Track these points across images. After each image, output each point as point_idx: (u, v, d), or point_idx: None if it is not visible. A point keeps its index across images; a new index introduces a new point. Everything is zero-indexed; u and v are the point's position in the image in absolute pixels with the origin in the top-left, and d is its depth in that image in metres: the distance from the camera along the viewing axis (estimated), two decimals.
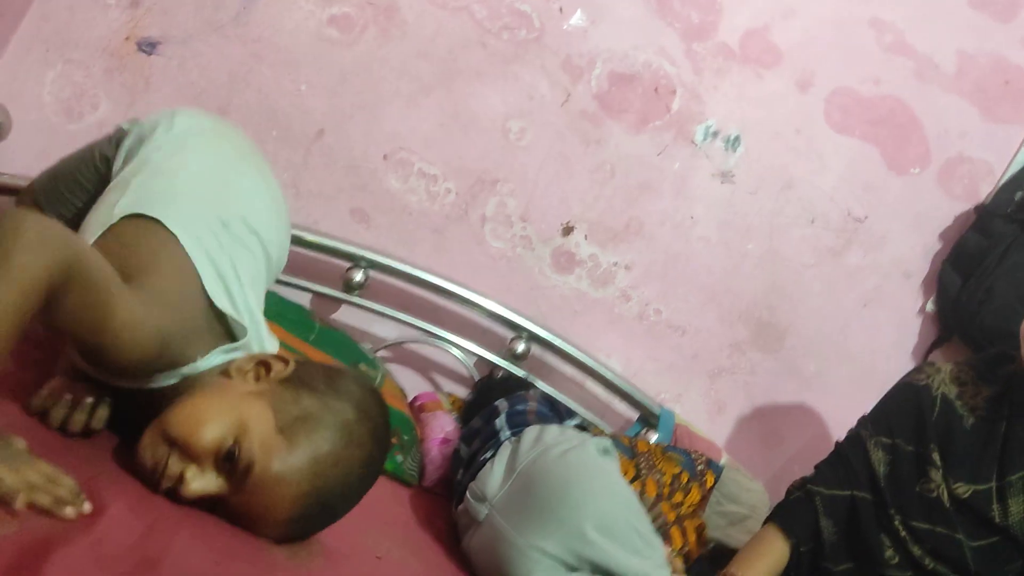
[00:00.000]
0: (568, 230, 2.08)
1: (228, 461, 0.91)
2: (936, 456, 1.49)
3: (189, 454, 0.92)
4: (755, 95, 2.09)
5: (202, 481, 0.91)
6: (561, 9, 2.03)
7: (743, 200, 2.11)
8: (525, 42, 2.04)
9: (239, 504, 0.93)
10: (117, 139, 1.31)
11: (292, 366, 1.01)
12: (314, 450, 0.93)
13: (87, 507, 0.79)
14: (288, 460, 0.92)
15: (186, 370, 0.99)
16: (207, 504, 0.93)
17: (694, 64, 2.07)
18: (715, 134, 2.09)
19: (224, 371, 1.00)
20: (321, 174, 2.00)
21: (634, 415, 2.05)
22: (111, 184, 1.22)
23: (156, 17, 1.95)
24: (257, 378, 1.00)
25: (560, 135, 2.06)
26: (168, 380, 0.99)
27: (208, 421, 0.92)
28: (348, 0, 1.98)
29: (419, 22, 2.01)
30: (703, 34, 2.07)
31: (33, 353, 1.11)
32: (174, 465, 0.92)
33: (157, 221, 1.07)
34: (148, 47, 1.95)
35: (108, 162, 1.29)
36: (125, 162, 1.25)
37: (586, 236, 2.08)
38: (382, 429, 1.02)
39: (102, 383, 1.00)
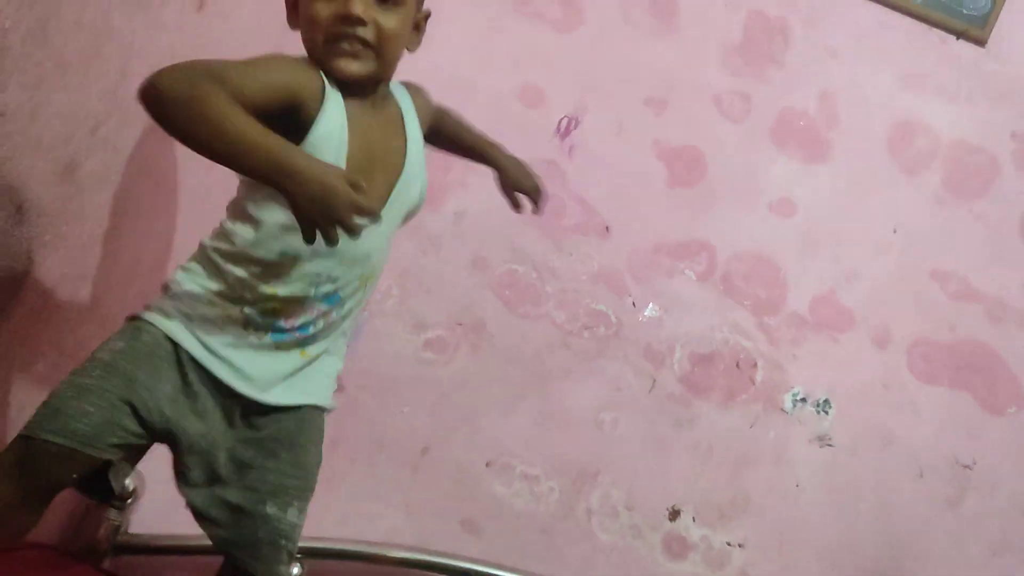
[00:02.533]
0: (675, 514, 2.09)
1: None
2: None
3: None
4: (836, 358, 2.15)
5: None
6: (634, 303, 2.17)
7: (846, 461, 2.11)
8: (605, 337, 2.16)
9: None
10: None
11: None
12: None
13: None
14: None
15: None
16: None
17: (769, 336, 2.16)
18: (803, 400, 2.14)
19: None
20: (429, 490, 2.08)
21: None
22: None
23: None
24: None
25: (652, 420, 2.12)
26: None
27: None
28: (440, 324, 2.14)
29: (505, 333, 2.15)
30: (773, 307, 2.17)
31: None
32: None
33: None
34: None
35: None
36: None
37: (694, 518, 2.09)
38: None
39: None
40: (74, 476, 1.12)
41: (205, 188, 1.78)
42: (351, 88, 1.16)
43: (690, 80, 2.23)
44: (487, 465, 2.10)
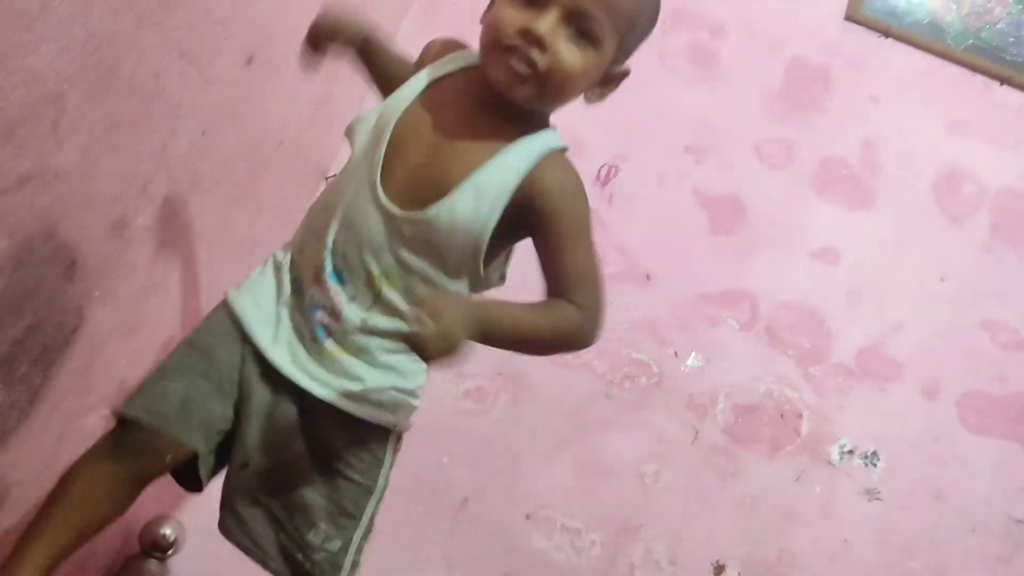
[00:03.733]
0: (720, 569, 2.05)
1: None
2: None
3: None
4: (883, 409, 2.10)
5: None
6: (676, 353, 2.14)
7: (895, 517, 2.06)
8: (647, 388, 2.13)
9: None
10: None
11: None
12: None
13: None
14: None
15: None
16: None
17: (815, 387, 2.12)
18: (851, 452, 2.09)
19: None
20: (469, 542, 2.05)
21: None
22: None
23: None
24: None
25: (695, 473, 2.09)
26: None
27: None
28: (480, 373, 2.13)
29: (546, 383, 2.13)
30: (818, 357, 2.13)
31: None
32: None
33: None
34: None
35: None
36: None
37: (739, 573, 2.04)
38: None
39: None
40: (167, 460, 1.07)
41: (250, 241, 1.80)
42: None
43: (730, 127, 2.22)
44: (527, 517, 2.07)
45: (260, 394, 1.12)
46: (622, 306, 2.15)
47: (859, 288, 2.15)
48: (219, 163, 1.51)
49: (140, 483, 1.09)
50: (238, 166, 1.61)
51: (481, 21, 1.07)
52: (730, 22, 2.27)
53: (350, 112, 2.13)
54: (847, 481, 2.08)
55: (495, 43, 1.01)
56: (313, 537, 1.14)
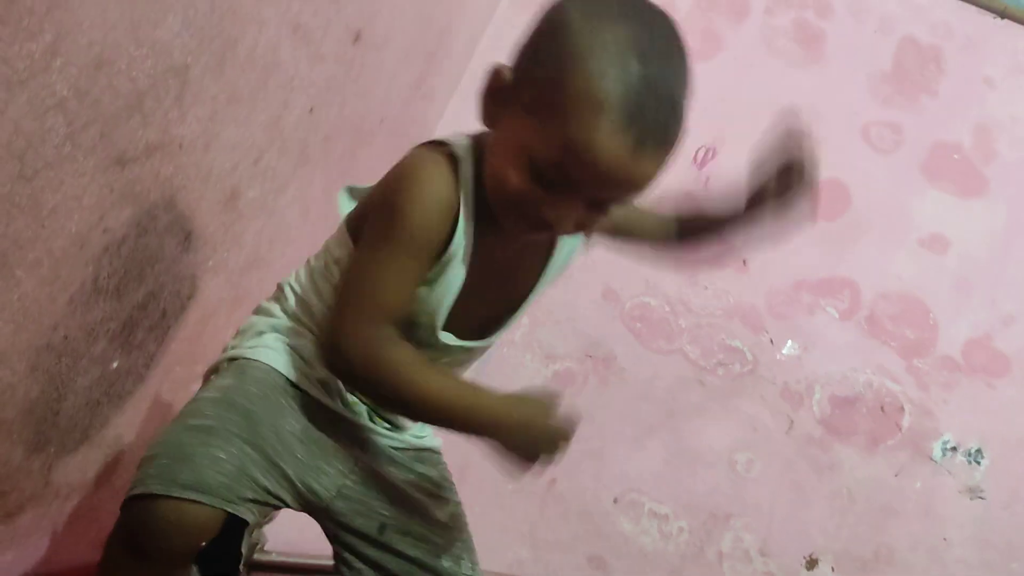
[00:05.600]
0: (812, 563, 2.00)
1: None
2: None
3: None
4: (990, 405, 2.02)
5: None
6: (772, 341, 2.10)
7: (998, 516, 1.98)
8: (741, 375, 2.09)
9: None
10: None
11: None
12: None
13: None
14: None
15: None
16: None
17: (918, 380, 2.05)
18: (954, 449, 2.02)
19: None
20: (556, 523, 2.05)
21: None
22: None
23: None
24: None
25: (790, 463, 2.04)
26: None
27: None
28: (569, 355, 2.12)
29: (636, 368, 2.11)
30: (922, 350, 2.06)
31: None
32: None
33: None
34: None
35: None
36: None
37: (833, 568, 1.99)
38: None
39: None
40: (204, 544, 0.91)
41: None
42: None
43: (836, 110, 2.15)
44: (615, 501, 2.06)
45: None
46: (717, 292, 2.11)
47: (968, 278, 2.07)
48: (324, 138, 1.53)
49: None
50: (341, 142, 1.63)
51: (484, 123, 0.96)
52: (837, 0, 2.20)
53: (447, 92, 2.14)
54: (949, 478, 2.01)
55: (513, 210, 0.93)
56: (464, 570, 1.11)
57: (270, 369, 1.01)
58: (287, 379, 1.01)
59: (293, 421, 1.00)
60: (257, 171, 1.32)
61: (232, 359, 1.05)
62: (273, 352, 1.04)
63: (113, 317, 1.09)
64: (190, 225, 1.18)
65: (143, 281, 1.11)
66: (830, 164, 2.13)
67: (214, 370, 1.08)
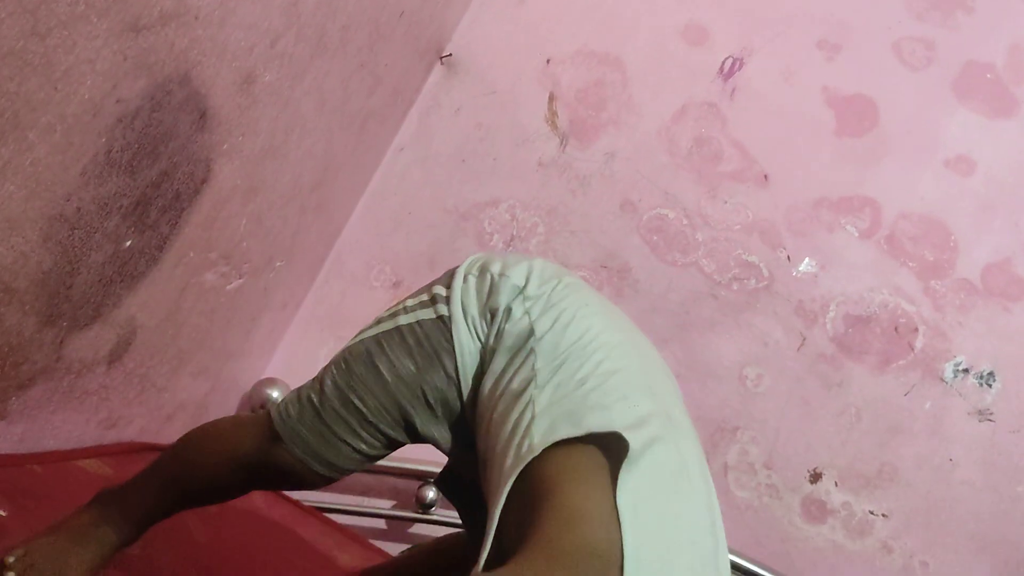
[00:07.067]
0: (816, 477, 2.02)
1: None
2: None
3: None
4: (1005, 329, 2.01)
5: None
6: (789, 257, 2.08)
7: (1006, 439, 1.98)
8: (755, 291, 2.08)
9: None
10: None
11: None
12: None
13: None
14: None
15: None
16: None
17: (934, 301, 2.03)
18: (966, 371, 2.01)
19: None
20: None
21: None
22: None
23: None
24: None
25: (799, 380, 2.04)
26: None
27: None
28: (584, 265, 2.11)
29: (650, 279, 2.10)
30: (940, 271, 2.04)
31: None
32: None
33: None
34: None
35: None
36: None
37: (836, 483, 2.01)
38: None
39: None
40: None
41: (366, 112, 1.79)
42: None
43: (868, 23, 2.09)
44: None
45: None
46: (736, 205, 2.08)
47: (993, 201, 2.03)
48: (343, 27, 1.49)
49: None
50: (360, 32, 1.59)
51: None
52: None
53: None
54: (959, 400, 2.01)
55: None
56: None
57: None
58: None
59: None
60: (274, 55, 1.29)
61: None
62: None
63: (126, 193, 1.08)
64: (204, 104, 1.15)
65: (157, 158, 1.10)
66: (859, 80, 2.09)
67: None
